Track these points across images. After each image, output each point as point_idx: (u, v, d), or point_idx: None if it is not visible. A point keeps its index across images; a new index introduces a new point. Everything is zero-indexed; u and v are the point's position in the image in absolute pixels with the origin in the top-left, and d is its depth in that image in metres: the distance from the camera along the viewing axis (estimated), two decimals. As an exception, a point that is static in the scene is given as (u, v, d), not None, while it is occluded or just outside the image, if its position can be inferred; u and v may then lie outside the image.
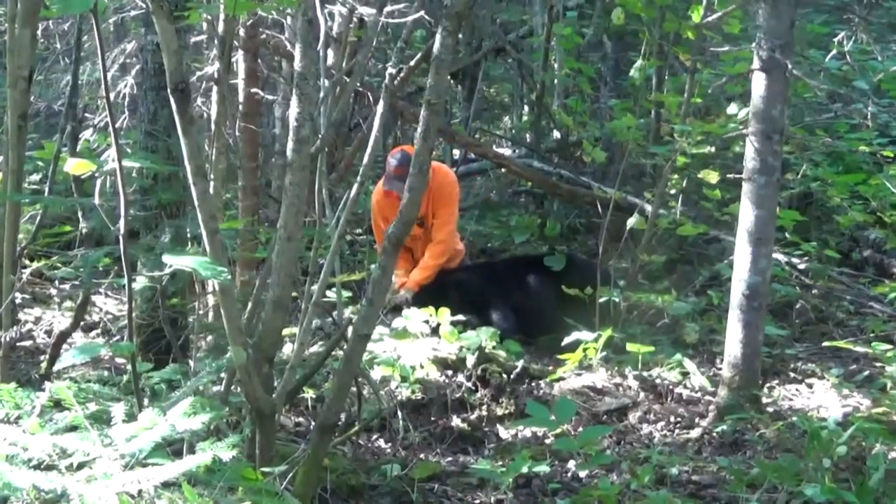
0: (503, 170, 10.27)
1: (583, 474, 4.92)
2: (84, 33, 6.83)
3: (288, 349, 5.43)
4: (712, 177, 6.92)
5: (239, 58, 7.03)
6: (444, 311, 6.30)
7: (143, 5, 5.59)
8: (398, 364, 5.75)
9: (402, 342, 6.11)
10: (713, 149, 6.94)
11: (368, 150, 4.69)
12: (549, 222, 9.92)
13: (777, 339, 6.77)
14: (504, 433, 5.53)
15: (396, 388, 5.67)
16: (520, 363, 6.06)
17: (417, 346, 6.02)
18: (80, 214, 6.27)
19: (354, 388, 4.86)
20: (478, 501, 4.70)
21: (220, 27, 5.70)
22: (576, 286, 6.94)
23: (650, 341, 6.52)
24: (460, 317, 6.39)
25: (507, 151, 11.48)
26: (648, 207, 7.61)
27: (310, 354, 5.36)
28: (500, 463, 4.90)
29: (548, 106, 10.58)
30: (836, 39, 7.69)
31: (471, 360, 5.94)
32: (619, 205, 7.84)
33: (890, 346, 6.23)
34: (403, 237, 4.03)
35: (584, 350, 6.19)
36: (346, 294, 6.48)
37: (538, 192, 10.34)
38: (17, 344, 6.68)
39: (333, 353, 4.83)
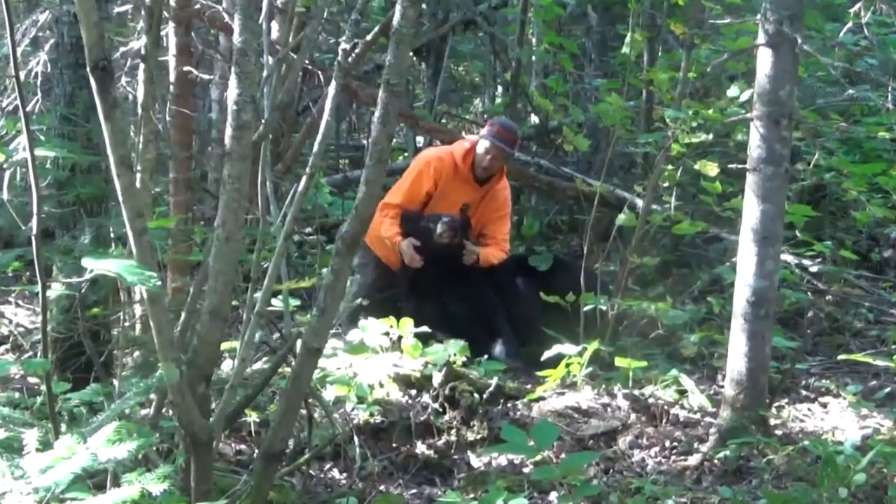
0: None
1: (566, 507, 4.93)
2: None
3: (227, 366, 5.41)
4: (710, 168, 6.95)
5: (169, 31, 7.00)
6: (406, 322, 6.30)
7: (59, -30, 5.56)
8: (354, 382, 5.74)
9: (358, 357, 6.10)
10: (710, 136, 6.96)
11: (319, 137, 4.68)
12: (527, 219, 9.95)
13: (786, 352, 6.80)
14: (476, 461, 5.53)
15: (352, 409, 5.66)
16: (493, 381, 6.06)
17: (376, 362, 6.02)
18: (-15, 212, 6.22)
19: (304, 411, 4.84)
20: (446, 539, 4.70)
21: (148, -4, 5.67)
22: (557, 292, 6.96)
23: (642, 355, 6.54)
24: (424, 328, 6.39)
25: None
26: (639, 202, 7.64)
27: (252, 372, 5.34)
28: (472, 495, 4.90)
29: (524, 87, 10.61)
30: (851, 11, 7.74)
31: (437, 378, 5.94)
32: (606, 199, 7.87)
33: (914, 360, 6.27)
34: (359, 236, 4.04)
35: (567, 366, 6.21)
36: (295, 302, 6.46)
37: (514, 185, 10.36)
38: (-87, 362, 6.63)
39: (280, 370, 4.82)
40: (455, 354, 6.12)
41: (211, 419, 3.96)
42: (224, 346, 4.41)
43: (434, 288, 7.24)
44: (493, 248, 7.56)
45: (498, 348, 7.08)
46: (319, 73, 8.68)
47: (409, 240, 7.26)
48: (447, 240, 7.14)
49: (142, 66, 6.40)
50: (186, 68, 6.99)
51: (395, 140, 11.50)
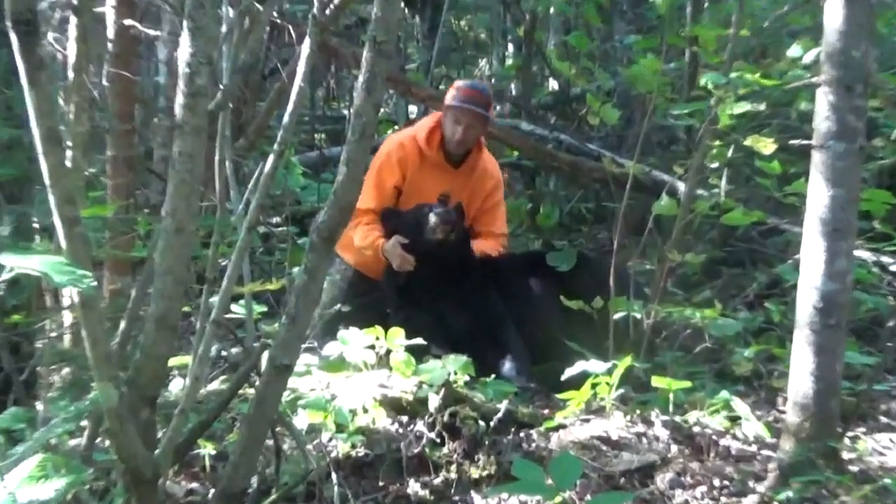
0: (479, 134, 10.29)
1: (592, 560, 4.93)
2: None
3: (177, 386, 5.39)
4: (765, 145, 6.93)
5: (107, -24, 7.00)
6: (396, 333, 6.29)
7: None
8: (332, 407, 5.73)
9: (337, 376, 6.09)
10: (762, 107, 6.94)
11: (290, 106, 4.67)
12: (544, 207, 9.95)
13: (862, 370, 6.79)
14: (481, 503, 5.53)
15: (330, 440, 5.65)
16: (503, 405, 6.04)
17: (359, 382, 6.01)
18: None
19: (271, 441, 4.84)
20: None
21: (81, -67, 5.66)
22: (581, 296, 6.95)
23: (685, 374, 6.53)
24: (418, 341, 6.38)
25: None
26: (681, 186, 7.63)
27: (208, 394, 5.33)
28: (477, 545, 4.90)
29: (540, 45, 10.60)
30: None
31: (434, 402, 5.92)
32: (641, 183, 7.85)
33: None
34: (338, 229, 4.02)
35: (594, 386, 6.20)
36: (260, 309, 6.46)
37: (528, 166, 10.37)
38: None
39: (241, 391, 4.80)
40: (456, 373, 6.11)
41: (156, 451, 3.95)
42: (173, 361, 4.40)
43: (428, 293, 7.23)
44: (489, 241, 7.57)
45: (508, 365, 7.07)
46: (290, 28, 8.67)
47: (394, 239, 7.24)
48: (442, 235, 7.11)
49: (73, 19, 6.39)
50: (128, 22, 6.97)
51: (382, 110, 11.50)
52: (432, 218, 7.06)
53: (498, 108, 11.45)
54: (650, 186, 8.43)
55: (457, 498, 5.55)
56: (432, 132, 7.51)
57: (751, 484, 5.62)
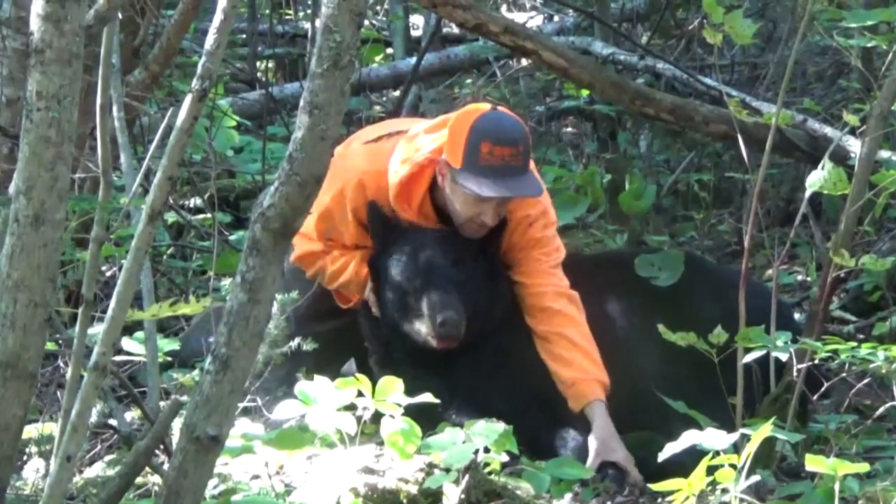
0: (524, 61, 10.32)
1: None
2: None
3: (35, 469, 5.43)
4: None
5: None
6: (390, 385, 6.29)
7: None
8: (287, 504, 5.77)
9: (295, 455, 6.10)
10: None
11: (217, 17, 4.69)
12: (631, 181, 9.97)
13: None
14: None
15: (283, 559, 5.68)
16: (566, 501, 6.06)
17: (330, 465, 6.02)
18: None
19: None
20: None
21: None
22: (692, 326, 6.95)
23: (860, 451, 6.53)
24: (427, 396, 6.38)
25: (530, 19, 11.54)
26: (854, 146, 7.65)
27: (84, 484, 5.36)
28: None
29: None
30: None
31: (454, 496, 5.93)
32: (789, 141, 7.87)
33: None
34: (296, 217, 4.03)
35: (711, 471, 6.19)
36: (169, 346, 6.51)
37: (604, 114, 10.40)
38: None
39: (140, 479, 4.83)
40: (488, 449, 6.11)
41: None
42: (28, 430, 4.43)
43: (434, 356, 7.22)
44: (564, 312, 7.37)
45: (570, 438, 7.08)
46: None
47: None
48: (441, 349, 7.02)
49: None
50: None
51: (368, 24, 11.49)
52: (423, 329, 7.09)
53: (554, 16, 11.50)
54: (803, 146, 8.45)
55: None
56: (409, 188, 7.22)
57: None
